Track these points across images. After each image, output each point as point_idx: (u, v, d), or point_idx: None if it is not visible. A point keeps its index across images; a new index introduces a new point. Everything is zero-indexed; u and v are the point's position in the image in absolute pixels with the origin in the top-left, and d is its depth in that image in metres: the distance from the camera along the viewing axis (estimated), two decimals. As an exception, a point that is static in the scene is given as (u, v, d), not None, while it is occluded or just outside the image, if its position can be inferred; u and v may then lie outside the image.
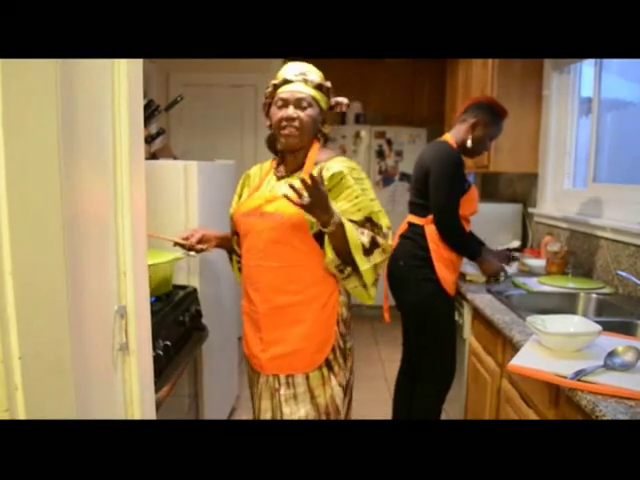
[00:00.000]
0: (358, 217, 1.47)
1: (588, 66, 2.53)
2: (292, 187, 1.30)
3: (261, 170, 1.69)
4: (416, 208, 2.13)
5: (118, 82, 1.03)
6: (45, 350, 0.79)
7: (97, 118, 0.99)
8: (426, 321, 2.13)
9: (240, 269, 1.68)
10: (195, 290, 2.13)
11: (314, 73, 1.54)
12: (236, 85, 3.95)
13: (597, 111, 2.38)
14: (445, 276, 2.07)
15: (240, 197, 1.70)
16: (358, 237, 1.43)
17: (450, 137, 2.14)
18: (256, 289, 1.53)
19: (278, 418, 1.52)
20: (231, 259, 1.80)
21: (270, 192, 1.55)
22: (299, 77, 1.50)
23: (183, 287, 2.10)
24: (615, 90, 2.37)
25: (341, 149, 4.51)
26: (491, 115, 2.08)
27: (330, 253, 1.45)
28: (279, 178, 1.58)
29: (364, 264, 1.45)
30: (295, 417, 1.50)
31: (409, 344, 2.35)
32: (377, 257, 1.47)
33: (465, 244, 2.11)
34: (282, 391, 1.51)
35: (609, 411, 1.02)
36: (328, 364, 1.53)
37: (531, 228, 3.02)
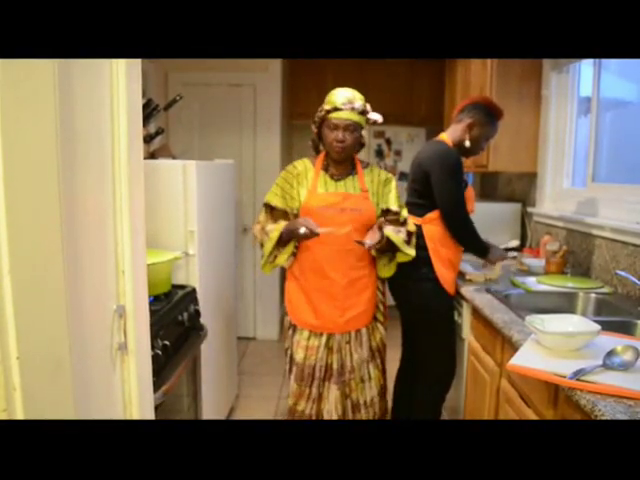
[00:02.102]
0: (402, 211, 2.02)
1: (587, 66, 2.53)
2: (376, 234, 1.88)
3: (306, 170, 2.02)
4: (413, 208, 2.12)
5: (117, 81, 1.03)
6: (43, 350, 0.79)
7: (96, 117, 0.99)
8: (425, 321, 2.13)
9: (294, 253, 2.02)
10: (194, 290, 2.13)
11: (359, 100, 1.91)
12: (235, 84, 3.94)
13: (596, 111, 2.38)
14: (444, 275, 2.07)
15: (297, 192, 1.98)
16: (399, 238, 1.94)
17: (446, 136, 2.14)
18: (336, 268, 1.96)
19: (348, 363, 2.01)
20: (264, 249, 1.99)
21: (337, 191, 1.97)
22: (347, 106, 1.88)
23: (182, 287, 2.09)
24: (614, 90, 2.37)
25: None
26: (487, 115, 2.08)
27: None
28: (336, 179, 1.99)
29: (411, 250, 1.98)
30: (361, 358, 2.03)
31: (409, 344, 2.35)
32: (413, 240, 2.01)
33: (477, 240, 2.11)
34: (352, 343, 2.01)
35: (608, 410, 1.02)
36: (375, 317, 2.07)
37: (530, 227, 3.02)
